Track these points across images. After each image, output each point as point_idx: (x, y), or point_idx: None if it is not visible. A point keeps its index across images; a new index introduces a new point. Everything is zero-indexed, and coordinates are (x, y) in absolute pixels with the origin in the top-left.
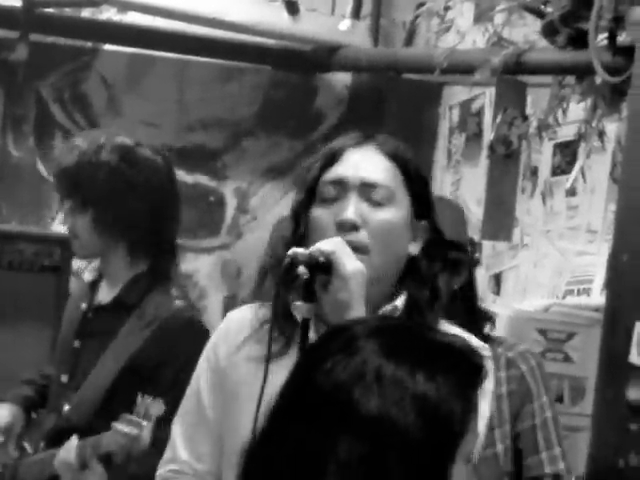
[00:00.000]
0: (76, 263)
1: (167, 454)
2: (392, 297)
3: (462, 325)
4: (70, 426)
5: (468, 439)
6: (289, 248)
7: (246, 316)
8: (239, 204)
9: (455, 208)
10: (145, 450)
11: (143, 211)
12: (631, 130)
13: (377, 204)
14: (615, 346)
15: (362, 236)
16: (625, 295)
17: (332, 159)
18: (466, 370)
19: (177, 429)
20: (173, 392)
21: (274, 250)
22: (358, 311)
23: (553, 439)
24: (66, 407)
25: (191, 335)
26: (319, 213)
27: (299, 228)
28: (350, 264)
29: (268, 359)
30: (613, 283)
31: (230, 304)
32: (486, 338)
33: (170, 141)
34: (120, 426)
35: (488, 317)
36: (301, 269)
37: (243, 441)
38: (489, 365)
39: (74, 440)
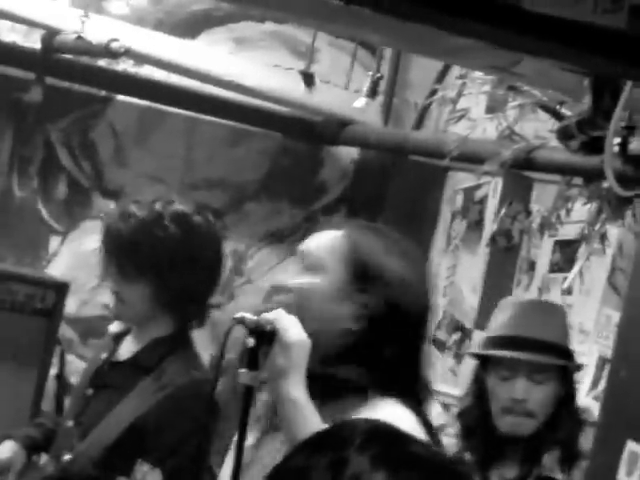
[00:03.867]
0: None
1: None
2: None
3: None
4: (67, 477)
5: None
6: None
7: None
8: (235, 266)
9: (559, 311)
10: None
11: (200, 283)
12: None
13: (305, 269)
14: (605, 462)
15: (287, 297)
16: (620, 411)
17: None
18: None
19: None
20: (172, 461)
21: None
22: (295, 380)
23: None
24: (66, 456)
25: (200, 408)
26: None
27: None
28: (293, 333)
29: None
30: (608, 398)
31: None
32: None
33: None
34: None
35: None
36: (248, 337)
37: None
38: None
39: None
